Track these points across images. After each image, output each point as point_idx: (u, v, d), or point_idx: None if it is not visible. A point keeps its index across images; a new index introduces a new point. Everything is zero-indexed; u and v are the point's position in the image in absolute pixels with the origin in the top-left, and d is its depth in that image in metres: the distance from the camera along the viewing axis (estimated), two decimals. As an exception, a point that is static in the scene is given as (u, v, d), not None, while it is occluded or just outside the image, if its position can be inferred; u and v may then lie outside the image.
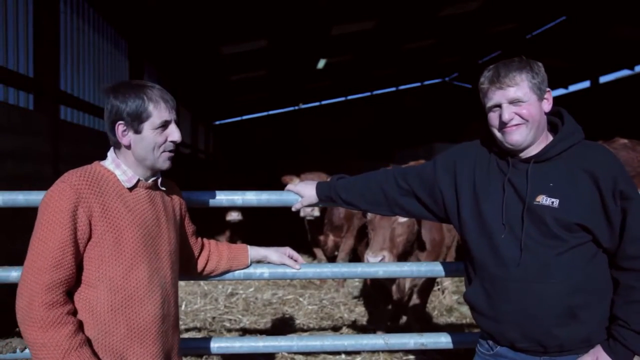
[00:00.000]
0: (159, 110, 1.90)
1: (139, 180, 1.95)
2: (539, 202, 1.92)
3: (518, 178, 1.99)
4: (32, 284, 1.73)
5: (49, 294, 1.72)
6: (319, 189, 2.48)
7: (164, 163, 1.96)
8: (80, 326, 1.79)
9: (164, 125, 1.92)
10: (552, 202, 1.90)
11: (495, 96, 1.96)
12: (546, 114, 2.02)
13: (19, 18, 6.59)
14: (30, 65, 6.88)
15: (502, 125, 1.96)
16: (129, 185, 1.92)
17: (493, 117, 2.00)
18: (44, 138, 6.65)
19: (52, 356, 1.70)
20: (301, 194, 2.52)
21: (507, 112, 1.94)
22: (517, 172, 2.00)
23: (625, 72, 19.60)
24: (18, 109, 6.48)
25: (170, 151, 1.96)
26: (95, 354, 1.79)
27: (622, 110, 17.47)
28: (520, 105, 1.94)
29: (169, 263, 2.00)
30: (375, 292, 4.77)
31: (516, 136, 1.95)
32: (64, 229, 1.75)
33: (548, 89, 2.00)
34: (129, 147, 1.92)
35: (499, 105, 1.96)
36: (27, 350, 2.40)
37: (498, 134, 2.01)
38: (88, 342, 1.79)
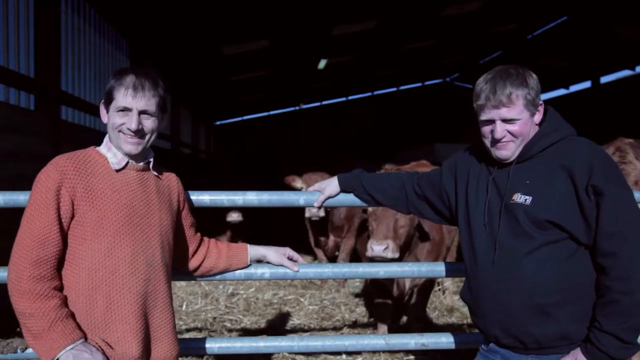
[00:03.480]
0: (123, 95, 1.96)
1: (128, 162, 2.03)
2: (514, 200, 1.96)
3: (501, 178, 2.04)
4: (20, 259, 1.83)
5: (36, 268, 1.82)
6: (341, 179, 2.57)
7: (125, 145, 2.01)
8: (65, 301, 1.87)
9: (123, 109, 1.98)
10: (525, 200, 1.93)
11: (491, 113, 1.99)
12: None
13: (20, 18, 6.60)
14: (31, 66, 6.89)
15: (494, 141, 2.01)
16: (118, 167, 2.01)
17: (486, 131, 2.04)
18: (45, 138, 6.66)
19: (39, 325, 1.79)
20: (321, 188, 2.60)
21: (500, 130, 1.98)
22: (501, 173, 2.05)
23: (626, 73, 19.58)
24: (19, 109, 6.48)
25: (130, 137, 1.99)
26: (79, 327, 1.86)
27: (623, 111, 17.45)
28: (513, 123, 1.97)
29: (158, 242, 2.04)
30: (375, 291, 4.76)
31: (505, 152, 2.01)
32: (48, 208, 1.86)
33: (541, 102, 2.01)
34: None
35: (492, 120, 1.99)
36: (28, 350, 2.40)
37: (488, 145, 2.06)
38: (73, 317, 1.86)
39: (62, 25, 7.64)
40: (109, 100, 1.99)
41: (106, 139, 2.07)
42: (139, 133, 2.00)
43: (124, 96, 1.96)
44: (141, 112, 1.99)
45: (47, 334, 1.78)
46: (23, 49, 6.71)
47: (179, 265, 2.38)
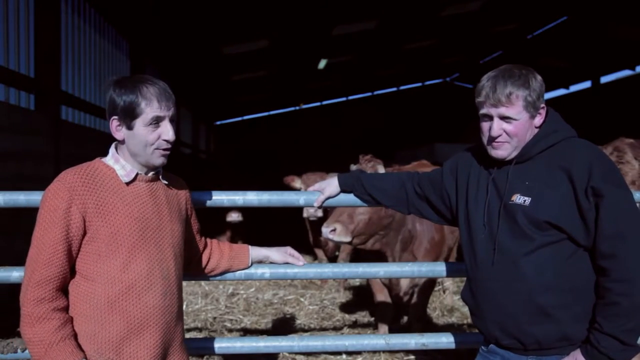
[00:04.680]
0: (151, 108, 1.89)
1: (137, 174, 1.97)
2: (513, 201, 1.96)
3: (500, 178, 2.04)
4: (26, 280, 1.82)
5: (37, 289, 1.79)
6: (341, 179, 2.56)
7: (157, 159, 1.95)
8: (67, 321, 1.83)
9: (156, 122, 1.91)
10: (525, 201, 1.93)
11: (490, 110, 1.98)
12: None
13: (20, 18, 6.60)
14: (32, 66, 6.90)
15: (491, 139, 2.01)
16: (127, 179, 1.94)
17: (484, 126, 2.03)
18: (45, 138, 6.67)
19: (37, 351, 1.78)
20: (321, 188, 2.59)
21: (497, 128, 1.97)
22: (501, 173, 2.05)
23: (626, 73, 19.58)
24: (19, 109, 6.49)
25: (164, 149, 1.95)
26: (79, 347, 1.83)
27: (623, 111, 17.45)
28: (510, 123, 1.96)
29: (171, 254, 2.01)
30: (375, 290, 4.75)
31: (500, 152, 2.01)
32: (57, 228, 1.81)
33: (543, 105, 1.99)
34: (123, 142, 1.95)
35: (491, 117, 1.99)
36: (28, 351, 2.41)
37: (485, 143, 2.06)
38: (76, 336, 1.84)
39: (62, 25, 7.65)
40: (132, 115, 1.88)
41: (112, 150, 1.99)
42: (173, 142, 1.96)
43: (158, 108, 1.89)
44: (171, 119, 1.95)
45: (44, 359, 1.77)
46: (23, 49, 6.71)
47: (186, 269, 2.36)
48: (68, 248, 1.83)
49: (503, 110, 1.95)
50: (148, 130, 1.90)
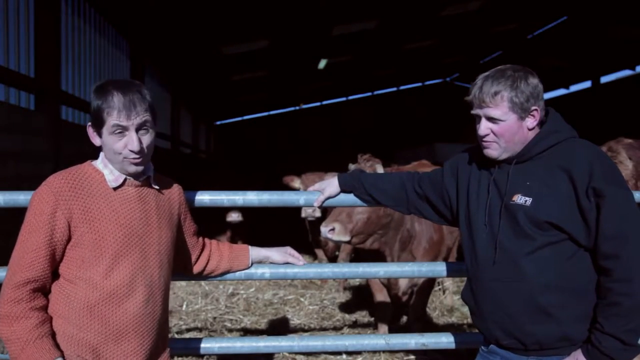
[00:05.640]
0: (111, 117, 1.84)
1: (126, 179, 1.95)
2: (514, 201, 1.96)
3: (501, 178, 2.04)
4: (6, 281, 1.82)
5: (15, 291, 1.79)
6: (341, 179, 2.55)
7: (129, 167, 1.91)
8: (45, 320, 1.82)
9: (120, 130, 1.85)
10: (526, 201, 1.93)
11: (477, 110, 2.01)
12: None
13: (20, 18, 6.61)
14: (32, 66, 6.90)
15: (480, 138, 2.03)
16: (115, 184, 1.92)
17: (476, 126, 2.05)
18: (45, 138, 6.67)
19: (14, 349, 1.78)
20: (321, 188, 2.58)
21: (483, 127, 2.00)
22: (502, 173, 2.05)
23: (626, 72, 19.60)
24: (19, 109, 6.49)
25: (133, 158, 1.88)
26: (57, 345, 1.82)
27: (623, 111, 17.47)
28: (496, 123, 1.97)
29: (157, 262, 1.99)
30: (374, 290, 4.75)
31: (490, 151, 2.02)
32: (41, 232, 1.81)
33: (535, 108, 1.97)
34: (101, 148, 1.94)
35: (480, 116, 2.01)
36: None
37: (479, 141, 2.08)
38: (54, 335, 1.83)
39: (62, 25, 7.66)
40: (99, 123, 1.86)
41: (102, 154, 1.96)
42: (142, 152, 1.90)
43: (117, 118, 1.83)
44: (138, 129, 1.88)
45: (20, 357, 1.76)
46: (23, 49, 6.71)
47: (183, 272, 2.36)
48: (51, 253, 1.82)
49: (488, 111, 1.96)
50: (114, 139, 1.87)
